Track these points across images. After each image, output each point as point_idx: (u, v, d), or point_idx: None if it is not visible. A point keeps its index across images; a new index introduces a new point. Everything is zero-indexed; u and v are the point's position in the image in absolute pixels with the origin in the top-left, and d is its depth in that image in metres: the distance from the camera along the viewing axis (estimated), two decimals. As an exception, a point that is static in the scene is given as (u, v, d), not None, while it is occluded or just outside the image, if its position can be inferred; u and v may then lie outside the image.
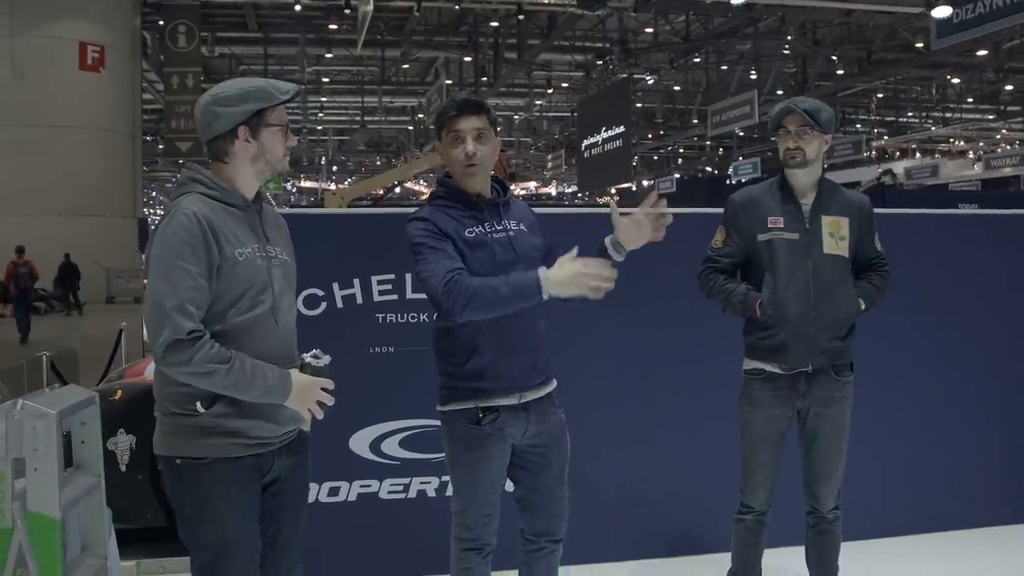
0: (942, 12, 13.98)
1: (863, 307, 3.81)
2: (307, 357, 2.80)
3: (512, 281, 2.98)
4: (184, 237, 2.60)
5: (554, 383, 3.33)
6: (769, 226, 3.76)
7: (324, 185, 47.34)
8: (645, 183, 45.44)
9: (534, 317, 3.20)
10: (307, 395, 2.74)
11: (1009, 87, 34.90)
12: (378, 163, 51.96)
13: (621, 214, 3.14)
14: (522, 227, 3.25)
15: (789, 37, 28.25)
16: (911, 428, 5.13)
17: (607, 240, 3.15)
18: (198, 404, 2.63)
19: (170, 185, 57.59)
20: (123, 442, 4.68)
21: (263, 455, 2.75)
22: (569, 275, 2.90)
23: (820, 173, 3.83)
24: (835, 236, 3.76)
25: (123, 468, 4.69)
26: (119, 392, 5.04)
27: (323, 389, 2.77)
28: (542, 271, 2.93)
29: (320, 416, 2.80)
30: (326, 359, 2.81)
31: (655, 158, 51.09)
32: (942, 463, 5.20)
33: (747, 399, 3.84)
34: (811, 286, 3.72)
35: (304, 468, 2.94)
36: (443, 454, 4.07)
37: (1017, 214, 5.48)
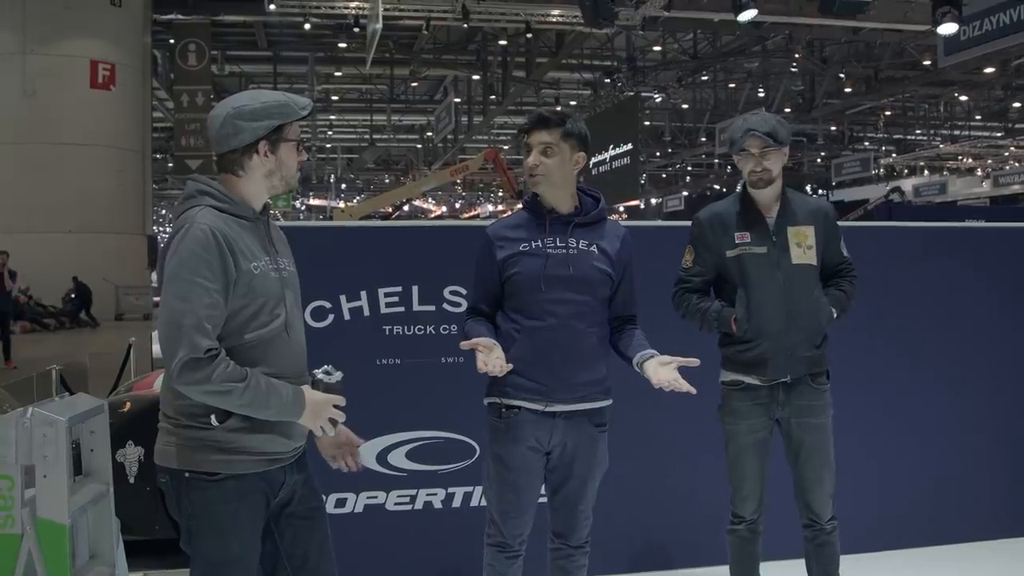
0: (948, 29, 14.00)
1: (835, 315, 3.82)
2: (319, 373, 2.79)
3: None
4: (201, 253, 2.57)
5: (602, 402, 3.40)
6: (736, 242, 3.80)
7: (333, 203, 47.50)
8: (653, 201, 45.50)
9: (584, 331, 3.33)
10: (320, 412, 2.73)
11: (1017, 104, 34.89)
12: (387, 181, 52.08)
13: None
14: (593, 249, 3.37)
15: (797, 55, 28.28)
16: (900, 443, 5.14)
17: (641, 362, 3.33)
18: (212, 418, 2.62)
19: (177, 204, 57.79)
20: (132, 454, 4.70)
21: (274, 471, 2.75)
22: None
23: (781, 184, 3.86)
24: (802, 246, 3.79)
25: (131, 480, 4.71)
26: (128, 404, 5.07)
27: (335, 406, 2.77)
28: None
29: (332, 433, 2.81)
30: (338, 375, 2.80)
31: (663, 176, 51.12)
32: (930, 478, 5.19)
33: (728, 411, 3.87)
34: (784, 297, 3.75)
35: (313, 482, 2.93)
36: (450, 465, 4.14)
37: (1003, 227, 5.52)
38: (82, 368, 9.32)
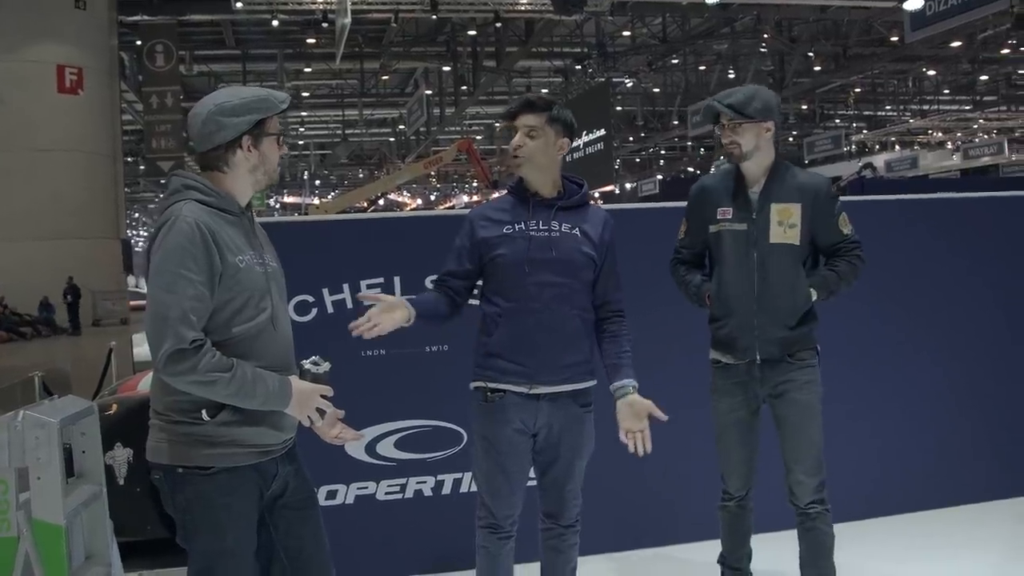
0: (914, 5, 14.15)
1: (815, 297, 3.74)
2: (307, 364, 2.81)
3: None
4: (186, 245, 2.59)
5: (587, 383, 3.43)
6: (718, 217, 3.79)
7: (308, 200, 47.35)
8: (628, 186, 45.60)
9: (567, 314, 3.37)
10: (307, 402, 2.76)
11: (984, 77, 35.20)
12: (361, 176, 51.97)
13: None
14: (576, 232, 3.41)
15: (765, 36, 28.41)
16: (888, 413, 5.22)
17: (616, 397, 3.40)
18: (203, 412, 2.64)
19: (153, 206, 57.48)
20: (120, 456, 4.71)
21: (266, 463, 2.77)
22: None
23: (771, 159, 3.79)
24: (784, 224, 3.72)
25: (121, 482, 4.71)
26: (114, 406, 5.07)
27: (322, 396, 2.79)
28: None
29: (319, 423, 2.83)
30: (326, 366, 2.83)
31: (637, 160, 51.26)
32: (919, 445, 5.28)
33: (713, 388, 3.90)
34: (755, 277, 3.72)
35: (304, 473, 2.95)
36: (438, 453, 4.18)
37: (971, 197, 5.60)
38: (64, 375, 9.30)
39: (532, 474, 3.52)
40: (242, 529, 2.72)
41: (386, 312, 3.21)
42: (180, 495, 2.68)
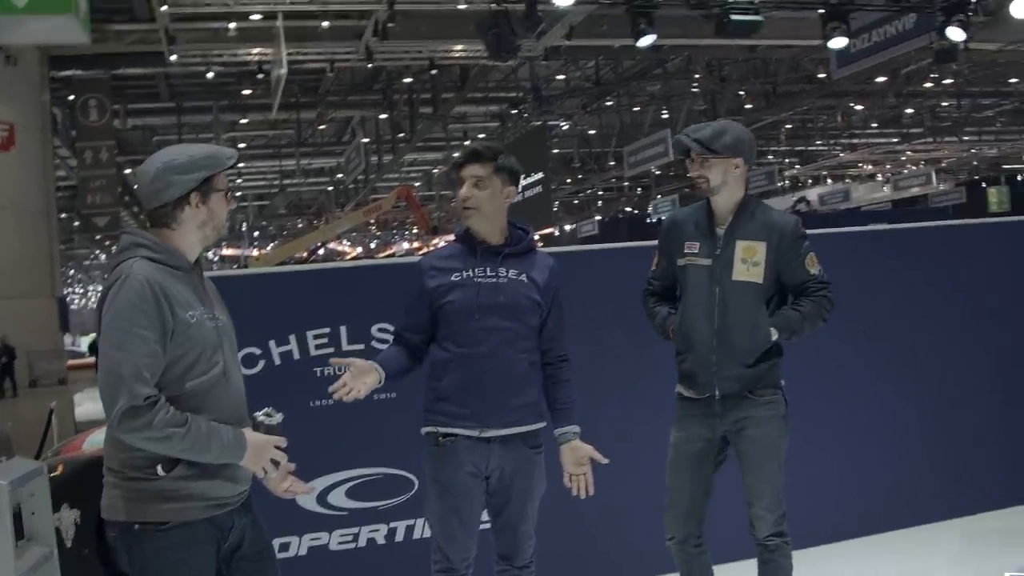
0: (839, 43, 14.53)
1: (775, 336, 3.74)
2: (259, 415, 2.85)
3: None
4: (137, 303, 2.62)
5: (536, 425, 3.51)
6: (685, 251, 3.83)
7: (246, 252, 46.95)
8: (568, 228, 45.87)
9: (515, 358, 3.44)
10: (261, 454, 2.78)
11: (910, 110, 36.03)
12: (300, 225, 51.66)
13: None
14: (523, 278, 3.49)
15: (697, 76, 28.91)
16: (845, 439, 5.36)
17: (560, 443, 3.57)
18: (159, 468, 2.65)
19: (88, 263, 56.63)
20: (67, 517, 4.63)
21: (222, 516, 2.78)
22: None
23: (740, 196, 3.80)
24: (748, 262, 3.72)
25: (69, 544, 4.63)
26: (60, 466, 5.00)
27: (276, 447, 2.82)
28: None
29: (274, 474, 2.86)
30: (279, 417, 2.87)
31: (575, 202, 51.58)
32: (877, 468, 5.43)
33: (675, 419, 3.92)
34: (715, 313, 3.73)
35: (260, 524, 2.97)
36: (390, 501, 4.20)
37: (921, 226, 5.81)
38: (4, 436, 9.09)
39: (485, 517, 3.55)
40: None
41: (358, 377, 3.29)
42: (137, 551, 2.68)
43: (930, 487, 5.57)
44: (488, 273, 3.46)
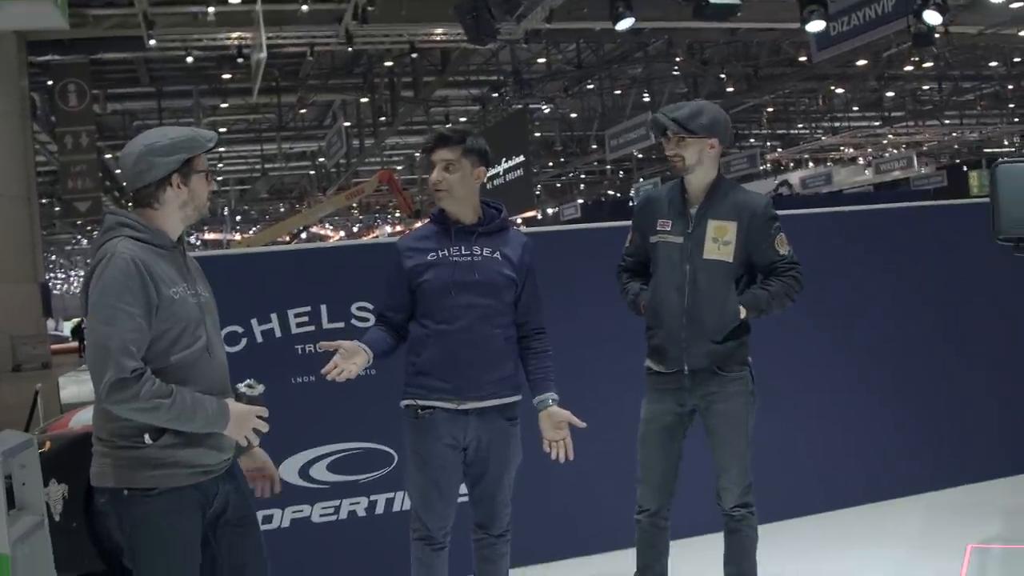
0: (817, 26, 14.58)
1: (743, 315, 3.83)
2: (242, 387, 2.99)
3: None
4: (123, 280, 2.73)
5: (512, 398, 3.64)
6: (658, 228, 3.92)
7: (229, 236, 46.84)
8: (550, 211, 45.94)
9: (491, 333, 3.56)
10: (244, 423, 2.92)
11: (890, 93, 36.17)
12: (282, 210, 51.51)
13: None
14: (496, 255, 3.61)
15: (678, 59, 28.97)
16: (812, 414, 5.50)
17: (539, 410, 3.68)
18: (146, 436, 2.77)
19: (69, 247, 56.34)
20: (55, 491, 4.75)
21: (207, 483, 2.91)
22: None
23: (713, 176, 3.88)
24: (719, 241, 3.81)
25: (57, 518, 4.75)
26: (48, 443, 5.10)
27: (258, 416, 2.95)
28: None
29: (256, 442, 3.01)
30: (260, 388, 3.01)
31: (558, 185, 51.62)
32: (845, 444, 5.58)
33: (646, 394, 4.03)
34: (686, 291, 3.82)
35: (244, 490, 3.11)
36: (370, 474, 4.33)
37: (899, 207, 5.95)
38: (-11, 419, 9.16)
39: (463, 489, 3.68)
40: (187, 548, 2.85)
41: (348, 359, 3.42)
42: (126, 517, 2.81)
43: (897, 463, 5.73)
44: (463, 252, 3.59)
